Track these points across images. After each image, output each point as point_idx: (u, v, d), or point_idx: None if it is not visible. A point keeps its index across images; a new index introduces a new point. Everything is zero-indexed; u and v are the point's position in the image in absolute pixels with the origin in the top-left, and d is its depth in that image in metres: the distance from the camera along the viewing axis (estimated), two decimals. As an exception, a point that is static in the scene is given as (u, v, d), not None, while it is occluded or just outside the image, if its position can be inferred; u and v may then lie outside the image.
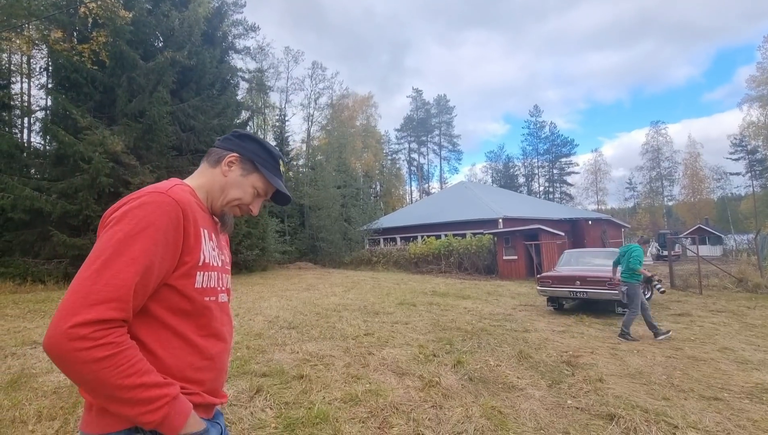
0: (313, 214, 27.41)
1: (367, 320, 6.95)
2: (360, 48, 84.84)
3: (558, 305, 8.14)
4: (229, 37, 23.96)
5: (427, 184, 62.33)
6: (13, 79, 23.82)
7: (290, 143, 37.25)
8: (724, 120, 75.44)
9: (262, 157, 1.16)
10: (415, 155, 62.42)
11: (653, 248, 26.79)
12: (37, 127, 19.77)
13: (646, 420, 3.02)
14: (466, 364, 4.42)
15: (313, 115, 39.07)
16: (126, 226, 0.86)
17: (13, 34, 11.77)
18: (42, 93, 24.37)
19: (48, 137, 15.31)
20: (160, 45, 17.10)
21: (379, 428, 2.88)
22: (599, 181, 55.74)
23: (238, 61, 27.58)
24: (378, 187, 51.97)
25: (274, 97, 37.03)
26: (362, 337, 5.69)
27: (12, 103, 23.04)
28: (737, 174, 46.79)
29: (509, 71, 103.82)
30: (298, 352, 4.83)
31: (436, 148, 62.47)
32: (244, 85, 29.64)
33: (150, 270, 0.86)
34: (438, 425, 2.95)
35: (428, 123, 61.66)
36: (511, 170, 63.43)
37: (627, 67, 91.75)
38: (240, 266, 18.12)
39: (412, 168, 62.01)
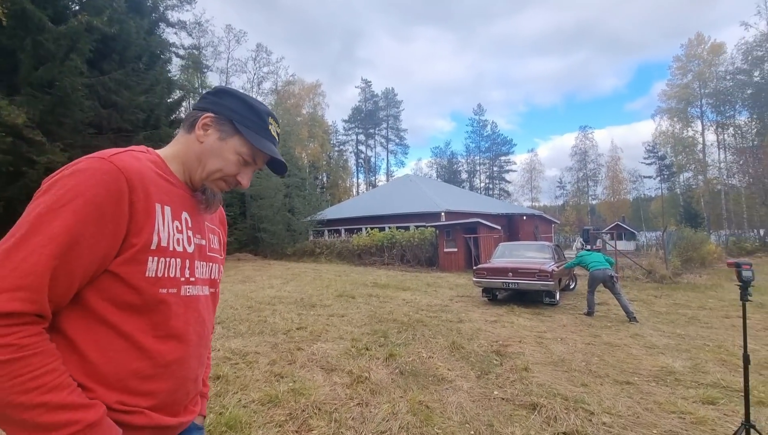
0: (255, 203, 26.12)
1: (302, 313, 6.65)
2: (311, 33, 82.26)
3: (492, 296, 8.40)
4: (160, 8, 21.85)
5: (374, 177, 62.45)
6: None
7: (231, 128, 35.16)
8: (641, 128, 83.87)
9: (242, 114, 0.94)
10: (362, 147, 62.15)
11: (578, 243, 29.14)
12: None
13: (566, 408, 3.09)
14: (398, 356, 4.32)
15: (256, 100, 37.19)
16: (50, 197, 0.70)
17: None
18: None
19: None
20: (76, 8, 15.12)
21: (296, 432, 2.65)
22: (534, 180, 59.59)
23: (171, 35, 25.25)
24: (324, 179, 51.04)
25: (213, 78, 34.70)
26: (294, 332, 5.39)
27: None
28: (649, 177, 52.21)
29: (457, 70, 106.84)
30: (218, 350, 4.42)
31: (383, 141, 62.67)
32: (178, 62, 27.35)
33: (75, 251, 0.69)
34: (362, 425, 2.78)
35: (376, 115, 61.58)
36: (455, 166, 65.52)
37: (563, 74, 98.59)
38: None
39: (360, 160, 61.72)
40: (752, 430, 2.23)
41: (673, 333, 5.75)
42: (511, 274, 7.78)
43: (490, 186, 63.70)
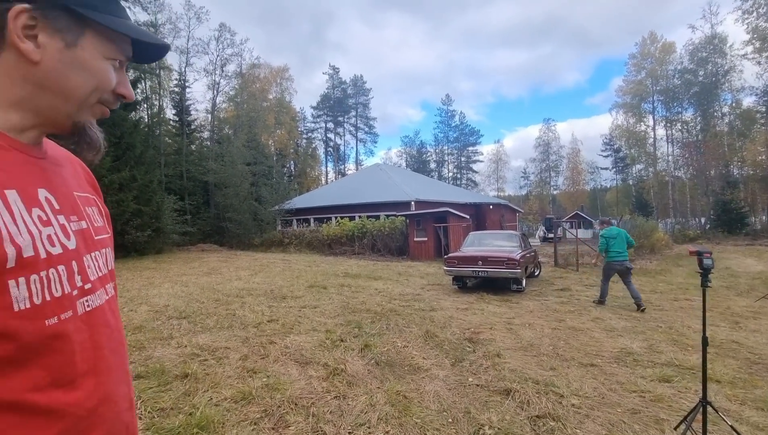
0: (219, 192, 25.16)
1: (273, 306, 6.50)
2: (279, 12, 79.60)
3: (462, 284, 8.58)
4: (112, -20, 20.24)
5: (343, 166, 61.83)
6: None
7: (192, 113, 33.44)
8: (599, 122, 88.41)
9: None
10: (331, 135, 61.23)
11: (540, 231, 30.33)
12: None
13: (537, 392, 3.21)
14: (373, 347, 4.32)
15: (219, 84, 35.49)
16: None
17: None
18: None
19: None
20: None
21: (273, 429, 2.58)
22: (500, 170, 61.33)
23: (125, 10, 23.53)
24: (292, 167, 49.94)
25: (172, 59, 32.68)
26: (265, 325, 5.25)
27: None
28: (606, 169, 55.14)
29: (428, 59, 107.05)
30: (185, 346, 4.23)
31: (352, 129, 62.02)
32: (132, 39, 25.50)
33: None
34: (340, 418, 2.75)
35: (345, 103, 60.71)
36: (424, 156, 66.07)
37: (529, 66, 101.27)
38: (128, 249, 15.90)
39: (329, 148, 60.84)
40: (708, 407, 2.40)
41: (629, 316, 6.11)
42: (480, 262, 7.96)
43: (458, 175, 64.85)
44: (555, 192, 58.49)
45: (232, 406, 2.88)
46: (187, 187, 26.83)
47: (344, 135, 61.95)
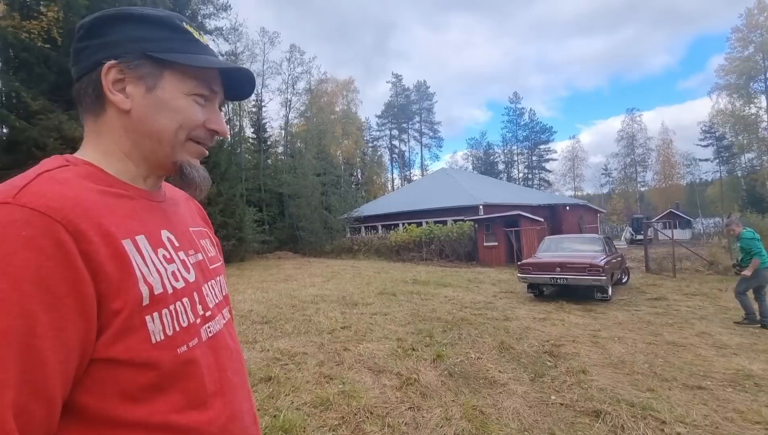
0: (293, 202, 26.81)
1: (345, 312, 6.70)
2: (343, 28, 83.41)
3: (538, 292, 8.08)
4: (199, 17, 22.81)
5: (408, 172, 62.19)
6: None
7: (268, 130, 36.18)
8: (695, 107, 78.45)
9: (152, 37, 0.63)
10: (396, 142, 62.01)
11: (627, 233, 27.48)
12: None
13: (633, 415, 2.88)
14: (446, 357, 4.23)
15: (291, 101, 38.05)
16: None
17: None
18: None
19: (-1, 122, 14.24)
20: (123, 24, 16.09)
21: (350, 437, 2.64)
22: (576, 168, 56.99)
23: (209, 42, 26.30)
24: (359, 175, 51.46)
25: (249, 82, 35.66)
26: (339, 331, 5.43)
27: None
28: (706, 160, 48.40)
29: (494, 57, 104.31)
30: (268, 350, 4.53)
31: (417, 135, 62.19)
32: (216, 68, 28.34)
33: (32, 361, 0.45)
34: (416, 431, 2.73)
35: (409, 109, 61.14)
36: (492, 157, 63.90)
37: (608, 54, 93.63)
38: (216, 257, 17.55)
39: (394, 155, 61.63)
40: None
41: (745, 332, 5.26)
42: (559, 269, 7.44)
43: (529, 176, 61.60)
44: (643, 189, 52.79)
45: (311, 411, 3.01)
46: (264, 199, 29.03)
47: (409, 141, 62.40)
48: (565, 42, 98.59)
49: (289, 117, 38.21)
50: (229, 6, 27.80)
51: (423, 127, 61.94)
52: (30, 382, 0.45)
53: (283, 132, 38.27)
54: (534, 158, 61.60)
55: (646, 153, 51.31)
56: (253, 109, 35.57)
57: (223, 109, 0.75)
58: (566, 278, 7.35)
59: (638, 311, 6.57)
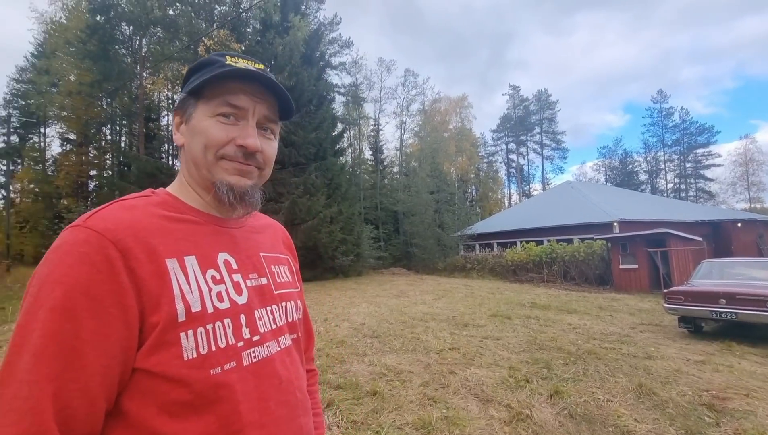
0: (407, 220, 27.58)
1: (455, 333, 6.49)
2: (458, 46, 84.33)
3: (694, 327, 6.58)
4: (326, 56, 25.64)
5: (527, 186, 58.29)
6: (162, 114, 29.10)
7: (384, 151, 38.35)
8: None
9: (193, 77, 0.71)
10: (513, 156, 58.90)
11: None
12: (173, 152, 23.67)
13: None
14: (566, 395, 3.73)
15: (405, 123, 39.67)
16: (28, 299, 0.53)
17: (155, 76, 14.22)
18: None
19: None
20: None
21: (450, 467, 2.50)
22: (751, 174, 45.52)
23: (333, 77, 29.35)
24: (474, 192, 50.29)
25: (368, 108, 38.56)
26: (446, 352, 5.28)
27: (160, 133, 28.04)
28: None
29: (631, 54, 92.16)
30: (375, 365, 4.65)
31: (537, 147, 58.04)
32: (339, 99, 31.46)
33: (76, 361, 0.51)
34: (523, 474, 2.44)
35: (528, 121, 57.68)
36: (629, 166, 55.65)
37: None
38: (336, 272, 19.01)
39: (511, 170, 58.60)
40: None
41: None
42: (724, 300, 5.96)
43: (682, 187, 51.62)
44: None
45: (412, 432, 2.95)
46: (380, 217, 30.57)
47: (527, 154, 58.68)
48: (730, 23, 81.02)
49: (404, 138, 39.84)
50: (351, 42, 30.72)
51: (544, 138, 57.61)
52: (73, 380, 0.51)
53: (398, 152, 40.00)
54: (688, 165, 51.46)
55: None
56: (372, 133, 38.18)
57: (271, 127, 0.75)
58: (736, 313, 5.83)
59: None
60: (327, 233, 18.07)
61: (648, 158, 54.72)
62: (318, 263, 18.01)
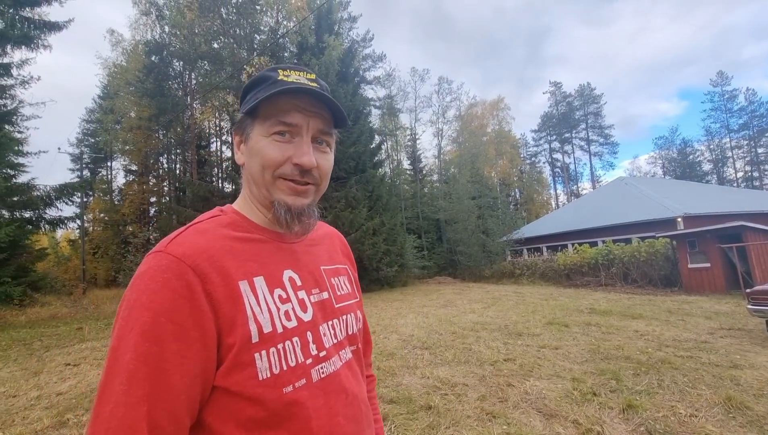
0: (449, 227, 27.14)
1: (508, 343, 6.20)
2: (491, 48, 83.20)
3: (788, 331, 5.83)
4: (360, 71, 26.18)
5: (575, 186, 55.51)
6: (211, 141, 31.03)
7: (422, 160, 38.21)
8: None
9: (251, 96, 0.71)
10: (558, 155, 56.53)
11: None
12: (223, 175, 25.08)
13: None
14: (641, 409, 3.39)
15: (442, 130, 39.33)
16: (119, 323, 0.57)
17: (203, 106, 15.21)
18: (226, 148, 31.08)
19: (231, 182, 19.11)
20: (305, 89, 19.90)
21: (517, 489, 2.33)
22: (841, 155, 40.38)
23: (369, 91, 29.86)
24: (518, 195, 48.69)
25: (404, 118, 38.68)
26: (501, 363, 5.03)
27: (210, 158, 29.91)
28: None
29: (683, 36, 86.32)
30: (428, 378, 4.51)
31: (583, 144, 55.28)
32: (375, 112, 31.88)
33: (164, 382, 0.54)
34: (601, 499, 2.22)
35: (571, 117, 55.19)
36: (690, 157, 51.52)
37: None
38: (381, 283, 19.00)
39: (556, 169, 56.19)
40: None
41: None
42: (822, 300, 5.23)
43: (755, 174, 46.85)
44: None
45: (472, 449, 2.80)
46: (422, 226, 30.34)
47: (573, 152, 56.01)
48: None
49: (442, 145, 39.46)
50: (384, 56, 31.23)
51: (590, 134, 54.80)
52: (161, 400, 0.54)
53: (436, 160, 39.69)
54: (760, 150, 46.67)
55: None
56: (409, 143, 38.24)
57: (322, 141, 0.73)
58: (840, 313, 5.08)
59: None
60: (370, 245, 18.16)
61: (712, 146, 50.35)
62: (363, 275, 18.12)
